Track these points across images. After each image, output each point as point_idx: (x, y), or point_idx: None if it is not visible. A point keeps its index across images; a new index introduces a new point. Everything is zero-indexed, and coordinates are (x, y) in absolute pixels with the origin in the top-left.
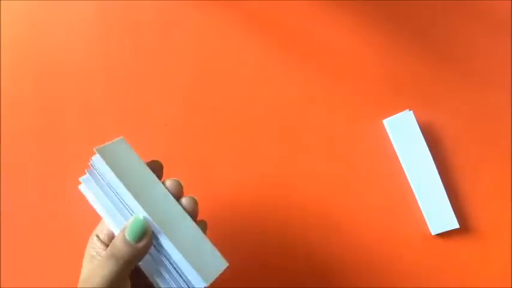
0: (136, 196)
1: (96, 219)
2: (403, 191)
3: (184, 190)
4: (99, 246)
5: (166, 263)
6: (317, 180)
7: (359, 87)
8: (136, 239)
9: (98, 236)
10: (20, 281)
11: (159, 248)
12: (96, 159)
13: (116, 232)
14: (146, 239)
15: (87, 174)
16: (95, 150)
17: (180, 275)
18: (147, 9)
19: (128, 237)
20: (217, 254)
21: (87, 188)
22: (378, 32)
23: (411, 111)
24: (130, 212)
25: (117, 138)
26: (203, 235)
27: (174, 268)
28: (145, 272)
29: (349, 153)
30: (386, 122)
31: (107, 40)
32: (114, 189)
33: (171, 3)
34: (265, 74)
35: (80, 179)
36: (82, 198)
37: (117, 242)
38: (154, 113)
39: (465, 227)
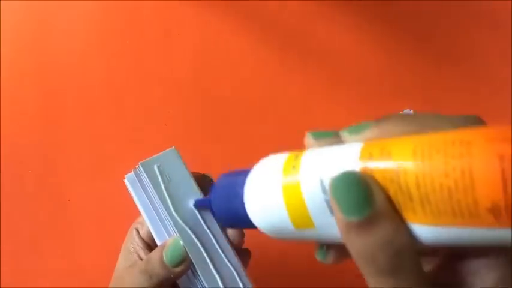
0: (176, 221)
1: (96, 218)
2: None
3: None
4: (137, 242)
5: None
6: None
7: (359, 87)
8: (173, 264)
9: (137, 230)
10: (20, 281)
11: (196, 275)
12: (141, 171)
13: (156, 239)
14: (184, 266)
15: (133, 175)
16: (139, 165)
17: None
18: (147, 9)
19: (165, 260)
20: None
21: (131, 186)
22: (378, 32)
23: (411, 111)
24: (173, 227)
25: (168, 149)
26: (242, 271)
27: None
28: (180, 285)
29: None
30: None
31: (107, 40)
32: (155, 204)
33: (171, 3)
34: (265, 74)
35: (126, 176)
36: (82, 198)
37: (154, 261)
38: (154, 113)
39: None
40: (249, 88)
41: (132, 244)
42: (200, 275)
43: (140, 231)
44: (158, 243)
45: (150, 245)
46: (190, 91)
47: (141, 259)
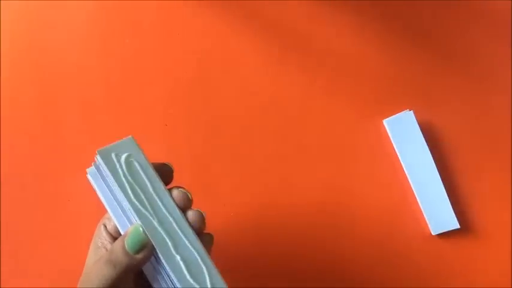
0: (136, 208)
1: (96, 218)
2: (404, 191)
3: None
4: (105, 237)
5: (165, 276)
6: (316, 181)
7: (359, 87)
8: (135, 251)
9: (105, 226)
10: (20, 281)
11: (159, 261)
12: (99, 161)
13: (120, 229)
14: (145, 252)
15: (93, 168)
16: (97, 153)
17: None
18: (147, 9)
19: (127, 247)
20: (218, 276)
21: (93, 180)
22: (378, 32)
23: (411, 111)
24: (134, 215)
25: (125, 138)
26: (205, 254)
27: (172, 282)
28: (146, 274)
29: (349, 153)
30: (387, 122)
31: (107, 40)
32: (115, 193)
33: (171, 3)
34: (265, 74)
35: (87, 171)
36: (82, 198)
37: (116, 250)
38: (154, 113)
39: (465, 227)
40: (249, 88)
41: (100, 239)
42: (163, 260)
43: (108, 226)
44: (122, 233)
45: (117, 238)
46: (191, 91)
47: None
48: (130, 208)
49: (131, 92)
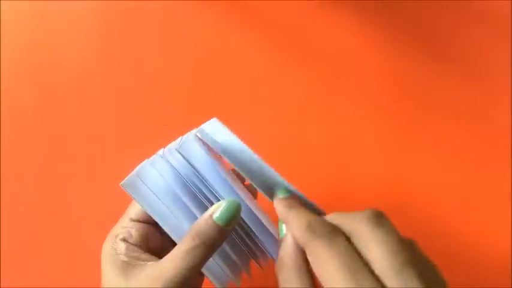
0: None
1: (96, 219)
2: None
3: None
4: (133, 248)
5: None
6: (316, 181)
7: (359, 87)
8: (227, 223)
9: (124, 239)
10: (20, 281)
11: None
12: (198, 137)
13: (174, 236)
14: (235, 223)
15: (156, 160)
16: (197, 134)
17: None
18: (147, 9)
19: (217, 220)
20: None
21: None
22: (378, 32)
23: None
24: (207, 203)
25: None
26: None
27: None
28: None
29: (350, 153)
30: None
31: (107, 40)
32: (201, 175)
33: (171, 3)
34: (265, 74)
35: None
36: (82, 198)
37: (205, 228)
38: (154, 113)
39: (465, 227)
40: (249, 88)
41: (123, 255)
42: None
43: (130, 240)
44: (175, 234)
45: (144, 246)
46: (191, 91)
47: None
48: (227, 182)
49: (131, 92)
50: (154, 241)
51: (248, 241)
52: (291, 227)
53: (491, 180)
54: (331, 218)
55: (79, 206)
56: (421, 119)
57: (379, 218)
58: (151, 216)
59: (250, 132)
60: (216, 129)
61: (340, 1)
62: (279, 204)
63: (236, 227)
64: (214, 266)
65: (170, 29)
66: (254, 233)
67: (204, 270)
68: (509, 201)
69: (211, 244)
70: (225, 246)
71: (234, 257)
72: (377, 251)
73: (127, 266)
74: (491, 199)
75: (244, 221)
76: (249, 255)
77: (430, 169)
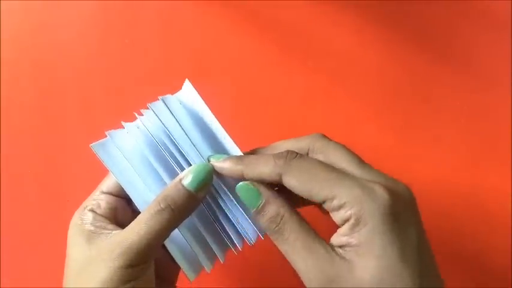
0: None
1: None
2: None
3: None
4: (100, 219)
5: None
6: None
7: (359, 87)
8: (197, 188)
9: (92, 210)
10: (20, 281)
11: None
12: (184, 94)
13: (140, 205)
14: (206, 189)
15: (130, 126)
16: (177, 95)
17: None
18: (146, 9)
19: (188, 186)
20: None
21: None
22: (378, 32)
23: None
24: (177, 168)
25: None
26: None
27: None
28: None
29: None
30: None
31: (107, 40)
32: (174, 137)
33: (171, 3)
34: (265, 74)
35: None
36: (82, 198)
37: (173, 192)
38: None
39: (465, 226)
40: (249, 88)
41: (90, 224)
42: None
43: (98, 210)
44: (139, 201)
45: (111, 218)
46: None
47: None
48: (223, 134)
49: (131, 92)
50: (124, 215)
51: (221, 218)
52: (258, 168)
53: (491, 180)
54: (285, 146)
55: (79, 206)
56: (421, 118)
57: (326, 136)
58: (118, 181)
59: (250, 132)
60: (191, 96)
61: (340, 1)
62: (228, 163)
63: (209, 199)
64: (184, 246)
65: (170, 29)
66: (228, 206)
67: (172, 251)
68: (509, 200)
69: (179, 210)
70: (197, 222)
71: (206, 237)
72: (339, 154)
73: (92, 235)
74: (491, 198)
75: (217, 191)
76: (222, 235)
77: (430, 168)
